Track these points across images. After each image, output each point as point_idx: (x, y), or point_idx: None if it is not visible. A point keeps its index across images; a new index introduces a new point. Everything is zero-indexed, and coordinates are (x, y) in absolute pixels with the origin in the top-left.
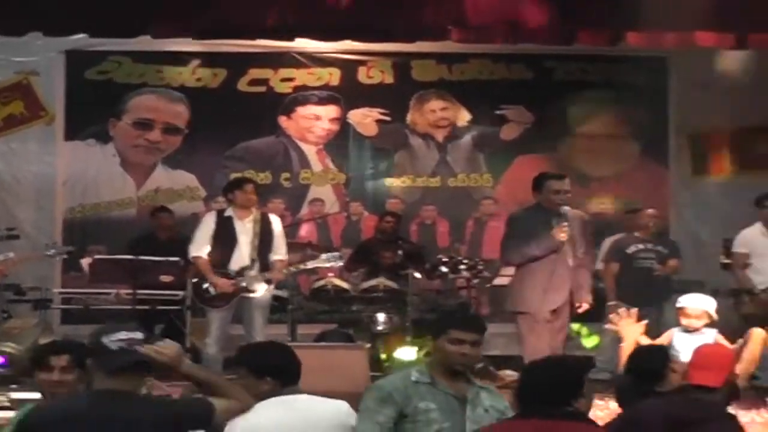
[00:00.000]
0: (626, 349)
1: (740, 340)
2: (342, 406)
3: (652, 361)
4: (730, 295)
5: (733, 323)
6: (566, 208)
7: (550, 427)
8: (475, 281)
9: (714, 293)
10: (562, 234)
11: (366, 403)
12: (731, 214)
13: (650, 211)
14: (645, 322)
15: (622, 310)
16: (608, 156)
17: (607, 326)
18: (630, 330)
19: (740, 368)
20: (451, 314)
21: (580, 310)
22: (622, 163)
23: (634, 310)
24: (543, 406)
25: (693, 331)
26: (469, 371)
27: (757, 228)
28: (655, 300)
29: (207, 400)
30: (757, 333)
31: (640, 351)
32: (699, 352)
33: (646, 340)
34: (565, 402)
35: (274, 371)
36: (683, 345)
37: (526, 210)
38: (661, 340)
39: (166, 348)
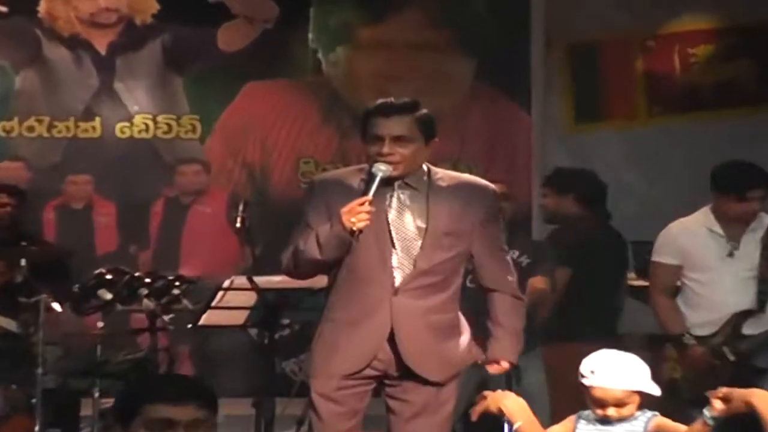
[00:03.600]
0: None
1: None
2: None
3: None
4: (644, 345)
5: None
6: (382, 167)
7: None
8: (169, 317)
9: (615, 342)
10: (358, 216)
11: None
12: (649, 195)
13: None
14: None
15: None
16: (418, 83)
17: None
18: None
19: None
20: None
21: (492, 370)
22: (443, 96)
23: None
24: None
25: (607, 421)
26: None
27: (701, 219)
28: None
29: None
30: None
31: None
32: None
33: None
34: None
35: None
36: None
37: (341, 174)
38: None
39: None
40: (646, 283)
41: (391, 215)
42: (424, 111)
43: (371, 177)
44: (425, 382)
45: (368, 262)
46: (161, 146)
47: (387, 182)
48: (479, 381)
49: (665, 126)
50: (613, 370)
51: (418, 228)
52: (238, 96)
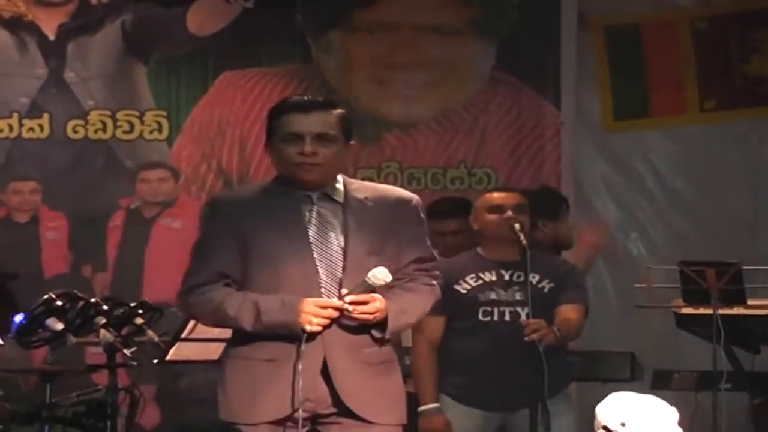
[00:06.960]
0: None
1: None
2: None
3: None
4: (692, 384)
5: None
6: (378, 275)
7: None
8: (131, 351)
9: (658, 381)
10: (318, 320)
11: None
12: (701, 206)
13: (508, 195)
14: None
15: None
16: (425, 73)
17: None
18: None
19: None
20: None
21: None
22: (456, 88)
23: None
24: None
25: None
26: None
27: None
28: (523, 398)
29: None
30: None
31: None
32: None
33: None
34: None
35: None
36: None
37: (247, 193)
38: None
39: None
40: (695, 311)
41: (312, 233)
42: (342, 109)
43: (362, 283)
44: (366, 421)
45: (290, 290)
46: (121, 148)
47: (305, 196)
48: (498, 426)
49: (721, 124)
50: (650, 425)
51: (341, 248)
52: (211, 88)
